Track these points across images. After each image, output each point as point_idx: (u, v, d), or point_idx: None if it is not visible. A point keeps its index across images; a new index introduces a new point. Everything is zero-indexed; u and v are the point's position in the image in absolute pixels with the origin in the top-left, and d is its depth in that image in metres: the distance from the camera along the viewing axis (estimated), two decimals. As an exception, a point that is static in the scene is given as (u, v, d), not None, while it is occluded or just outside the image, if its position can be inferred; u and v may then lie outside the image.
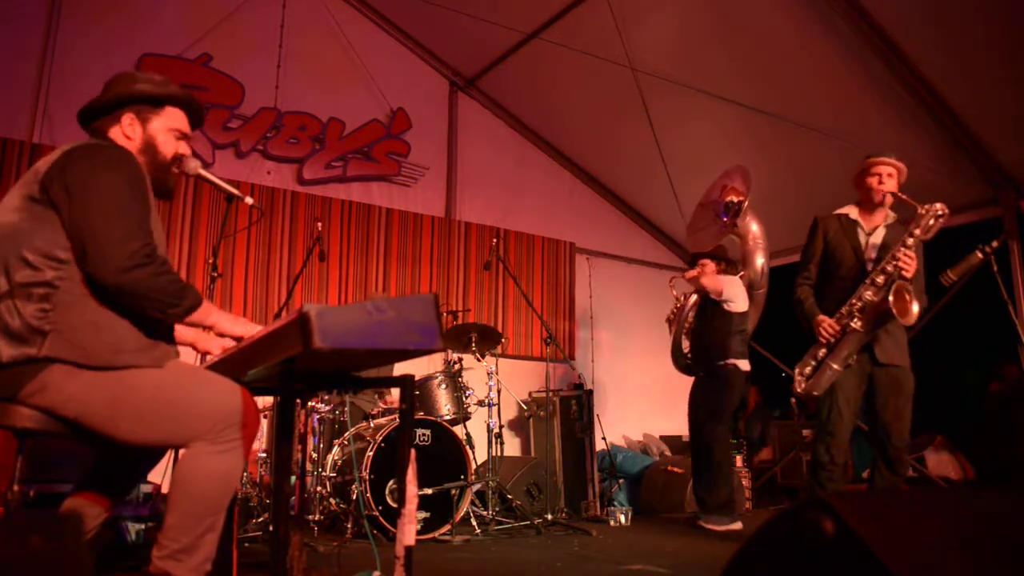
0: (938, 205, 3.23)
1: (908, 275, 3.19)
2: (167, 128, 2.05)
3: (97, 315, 1.76)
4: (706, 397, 4.56)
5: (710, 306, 4.62)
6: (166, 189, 2.07)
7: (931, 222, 3.24)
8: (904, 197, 3.30)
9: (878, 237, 3.42)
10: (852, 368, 3.27)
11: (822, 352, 3.30)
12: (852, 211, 3.51)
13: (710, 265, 4.74)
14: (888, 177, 3.38)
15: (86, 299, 1.76)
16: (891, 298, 3.13)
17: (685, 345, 5.01)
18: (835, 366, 3.25)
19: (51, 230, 1.77)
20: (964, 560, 0.66)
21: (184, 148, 2.10)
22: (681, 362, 5.04)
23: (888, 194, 3.38)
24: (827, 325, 3.28)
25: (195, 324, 1.89)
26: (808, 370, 3.33)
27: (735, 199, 4.89)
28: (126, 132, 2.00)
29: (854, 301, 3.26)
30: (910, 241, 3.24)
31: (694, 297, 4.86)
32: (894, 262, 3.22)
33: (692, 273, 4.69)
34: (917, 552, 0.64)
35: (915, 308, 3.15)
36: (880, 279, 3.25)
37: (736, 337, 4.50)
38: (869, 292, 3.26)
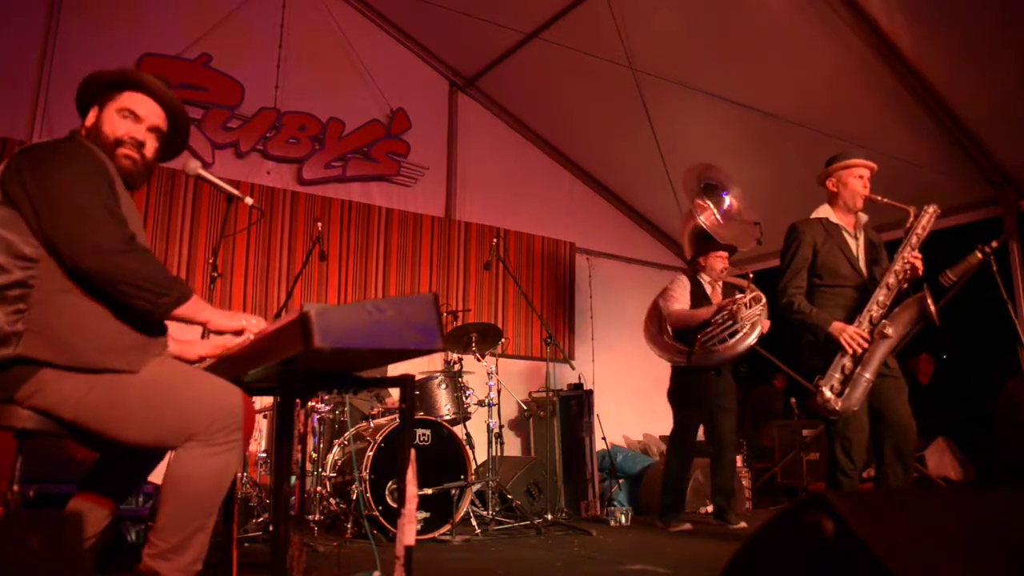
0: (932, 207, 3.25)
1: (919, 274, 3.16)
2: (116, 109, 1.98)
3: (75, 313, 1.74)
4: (725, 395, 4.54)
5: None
6: (123, 175, 1.93)
7: (926, 221, 3.24)
8: (892, 202, 3.24)
9: (863, 239, 3.39)
10: None
11: (847, 363, 3.11)
12: (831, 214, 3.41)
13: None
14: (868, 179, 3.36)
15: (63, 296, 1.74)
16: (931, 303, 3.06)
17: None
18: (868, 376, 3.07)
19: (16, 230, 1.75)
20: (964, 560, 0.66)
21: (134, 131, 1.97)
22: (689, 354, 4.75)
23: (866, 197, 3.32)
24: (855, 334, 3.10)
25: (185, 319, 1.83)
26: (836, 385, 3.09)
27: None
28: (87, 123, 1.99)
29: (873, 307, 3.14)
30: (914, 240, 3.21)
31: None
32: (903, 263, 3.16)
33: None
34: (917, 552, 0.64)
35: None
36: (891, 280, 3.17)
37: None
38: (882, 296, 3.16)
